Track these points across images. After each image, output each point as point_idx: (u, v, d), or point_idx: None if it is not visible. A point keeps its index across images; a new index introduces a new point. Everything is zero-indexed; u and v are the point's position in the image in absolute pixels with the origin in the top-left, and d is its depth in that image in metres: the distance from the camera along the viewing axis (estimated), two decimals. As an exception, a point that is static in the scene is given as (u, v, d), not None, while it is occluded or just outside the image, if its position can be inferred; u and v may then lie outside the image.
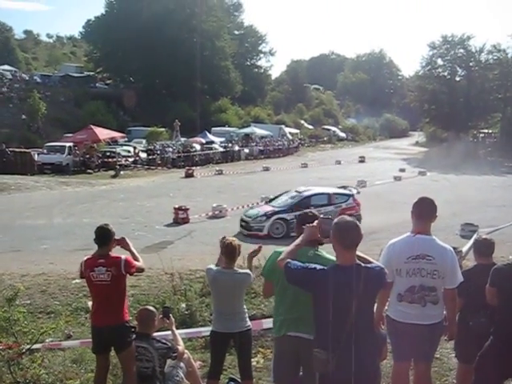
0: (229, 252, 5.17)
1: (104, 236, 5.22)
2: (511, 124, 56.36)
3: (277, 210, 15.91)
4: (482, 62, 61.23)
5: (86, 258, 5.26)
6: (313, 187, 17.77)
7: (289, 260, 3.73)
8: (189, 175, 30.95)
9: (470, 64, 61.68)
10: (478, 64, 61.18)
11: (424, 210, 4.76)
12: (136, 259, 5.33)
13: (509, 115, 59.03)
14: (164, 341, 5.49)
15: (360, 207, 16.56)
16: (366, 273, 3.61)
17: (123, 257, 5.24)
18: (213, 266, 5.32)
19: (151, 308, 5.77)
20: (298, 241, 3.95)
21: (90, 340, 5.71)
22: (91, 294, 5.38)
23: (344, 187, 18.25)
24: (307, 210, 4.46)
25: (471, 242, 8.84)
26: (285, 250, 3.91)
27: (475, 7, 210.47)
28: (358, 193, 17.60)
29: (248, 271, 5.35)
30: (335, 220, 3.76)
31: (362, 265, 3.64)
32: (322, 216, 4.04)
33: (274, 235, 15.30)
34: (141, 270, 5.46)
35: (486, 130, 62.15)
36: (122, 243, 5.37)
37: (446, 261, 4.62)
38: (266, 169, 34.77)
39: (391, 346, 5.03)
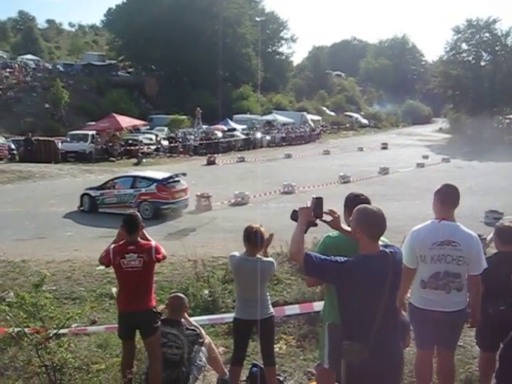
0: (253, 239, 5.15)
1: (134, 223, 5.30)
2: (538, 109, 55.37)
3: (92, 187, 17.77)
4: (509, 46, 60.03)
5: (113, 246, 5.32)
6: (148, 171, 19.46)
7: (308, 252, 3.61)
8: (211, 162, 31.01)
9: (496, 48, 60.57)
10: (504, 48, 60.00)
11: (448, 197, 4.73)
12: None
13: (536, 100, 57.93)
14: (193, 327, 5.55)
15: (169, 195, 16.30)
16: (393, 258, 3.56)
17: (153, 243, 5.34)
18: (236, 253, 5.33)
19: (182, 295, 5.83)
20: (298, 227, 3.71)
21: (115, 325, 5.80)
22: (120, 280, 5.43)
23: (181, 174, 18.09)
24: (358, 193, 4.28)
25: (492, 233, 8.74)
26: (292, 240, 3.67)
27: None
28: (165, 181, 16.76)
29: (271, 259, 5.36)
30: (359, 208, 3.63)
31: (387, 251, 3.57)
32: (313, 196, 3.84)
33: (84, 208, 17.15)
34: (164, 257, 5.53)
35: (511, 116, 61.03)
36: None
37: (472, 247, 4.59)
38: (288, 156, 34.65)
39: (414, 333, 5.02)
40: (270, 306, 5.36)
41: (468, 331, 5.92)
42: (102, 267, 9.12)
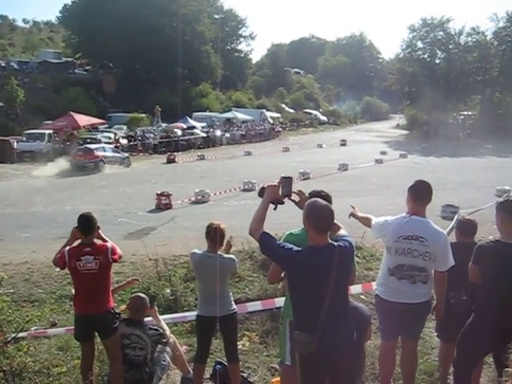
0: (214, 236, 5.17)
1: (89, 224, 5.19)
2: (490, 106, 56.94)
3: None
4: (462, 45, 61.58)
5: (68, 248, 5.20)
6: None
7: (266, 232, 3.65)
8: (171, 161, 30.84)
9: (450, 46, 62.03)
10: (458, 46, 61.52)
11: (421, 193, 4.83)
12: None
13: (488, 97, 59.72)
14: (156, 327, 5.51)
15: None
16: (340, 251, 3.62)
17: (109, 244, 5.23)
18: (197, 251, 5.34)
19: (143, 295, 5.76)
20: (262, 204, 3.79)
21: (75, 327, 5.70)
22: (76, 283, 5.32)
23: None
24: (319, 190, 4.25)
25: (453, 223, 8.93)
26: (254, 216, 3.73)
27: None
28: None
29: (233, 256, 5.39)
30: (308, 202, 3.70)
31: (335, 244, 3.65)
32: (282, 175, 3.91)
33: None
34: (120, 257, 5.46)
35: (465, 112, 62.57)
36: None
37: (439, 244, 4.69)
38: (248, 153, 34.73)
39: (379, 324, 5.13)
40: (233, 303, 5.37)
41: (426, 322, 6.06)
42: (61, 268, 9.02)
